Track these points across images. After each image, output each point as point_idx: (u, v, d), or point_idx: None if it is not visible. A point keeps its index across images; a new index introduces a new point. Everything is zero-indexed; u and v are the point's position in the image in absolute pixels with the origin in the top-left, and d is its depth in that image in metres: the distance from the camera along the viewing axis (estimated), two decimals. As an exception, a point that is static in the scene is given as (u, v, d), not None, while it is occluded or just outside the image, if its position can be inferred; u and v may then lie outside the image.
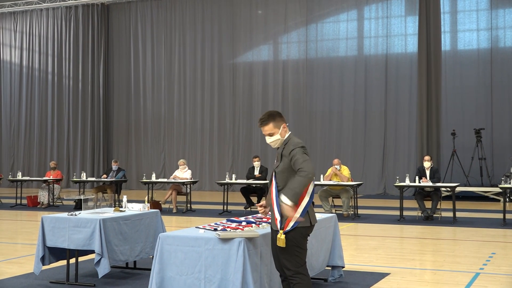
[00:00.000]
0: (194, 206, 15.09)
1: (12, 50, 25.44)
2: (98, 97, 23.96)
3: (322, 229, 6.05)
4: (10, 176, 17.43)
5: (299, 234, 4.23)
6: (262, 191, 13.83)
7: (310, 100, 20.98)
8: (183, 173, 14.64)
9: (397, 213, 12.74)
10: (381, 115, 20.07)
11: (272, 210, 4.28)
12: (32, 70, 24.99)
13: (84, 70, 24.13)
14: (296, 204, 4.12)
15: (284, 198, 4.09)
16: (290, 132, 4.40)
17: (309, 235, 4.37)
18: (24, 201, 16.23)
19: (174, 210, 14.19)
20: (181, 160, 15.10)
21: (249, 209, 13.84)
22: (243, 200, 14.28)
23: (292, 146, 4.24)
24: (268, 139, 4.40)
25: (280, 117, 4.38)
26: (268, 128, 4.35)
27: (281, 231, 4.16)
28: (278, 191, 4.24)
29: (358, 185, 12.87)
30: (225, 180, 14.52)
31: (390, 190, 19.47)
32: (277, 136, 4.36)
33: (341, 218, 12.49)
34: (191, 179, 14.58)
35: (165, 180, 15.10)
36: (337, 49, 20.85)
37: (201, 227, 5.13)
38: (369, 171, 20.00)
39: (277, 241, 4.19)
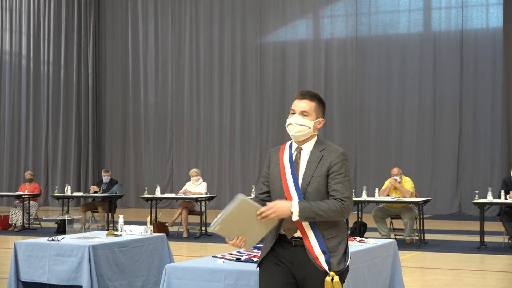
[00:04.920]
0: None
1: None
2: (86, 88, 24.18)
3: (377, 259, 6.03)
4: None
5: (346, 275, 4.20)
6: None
7: (361, 92, 20.92)
8: (196, 187, 14.68)
9: (477, 239, 12.61)
10: (455, 111, 19.93)
11: (306, 244, 4.05)
12: (1, 53, 25.31)
13: (68, 54, 24.37)
14: (299, 223, 4.02)
15: (295, 206, 3.94)
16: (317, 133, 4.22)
17: None
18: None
19: (185, 235, 14.24)
20: (194, 170, 15.14)
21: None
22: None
23: (338, 156, 4.09)
24: (296, 119, 4.12)
25: (324, 107, 4.24)
26: (308, 105, 4.14)
27: (332, 273, 4.00)
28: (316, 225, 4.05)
29: (425, 202, 12.77)
30: (250, 195, 14.52)
31: (467, 209, 19.31)
32: (309, 122, 4.11)
33: (403, 244, 12.42)
34: (206, 194, 14.61)
35: (173, 195, 15.15)
36: (396, 24, 20.76)
37: (219, 256, 5.15)
38: (439, 184, 19.85)
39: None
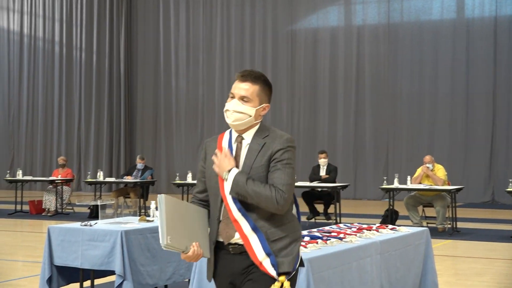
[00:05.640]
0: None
1: (10, 14, 26.03)
2: (118, 74, 24.31)
3: (410, 247, 6.01)
4: (8, 176, 17.85)
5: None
6: (329, 197, 13.79)
7: (393, 78, 20.80)
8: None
9: (510, 227, 12.54)
10: (488, 98, 19.74)
11: (246, 248, 3.46)
12: (35, 39, 25.53)
13: (100, 40, 24.51)
14: (237, 224, 3.45)
15: (231, 175, 3.44)
16: (261, 120, 3.63)
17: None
18: (26, 207, 16.61)
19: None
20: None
21: (313, 220, 13.83)
22: (306, 209, 14.28)
23: (282, 143, 3.49)
24: (234, 105, 3.53)
25: (270, 91, 3.67)
26: (249, 89, 3.54)
27: (282, 278, 3.42)
28: (251, 219, 3.47)
29: (457, 190, 12.68)
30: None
31: (500, 198, 19.15)
32: (250, 110, 3.53)
33: (435, 233, 12.35)
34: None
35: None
36: (429, 10, 20.60)
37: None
38: (472, 172, 19.71)
39: None
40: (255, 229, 3.42)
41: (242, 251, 3.47)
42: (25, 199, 16.89)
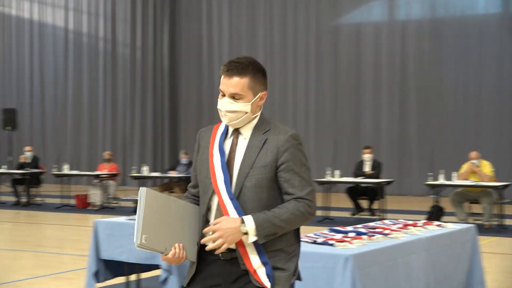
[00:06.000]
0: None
1: (55, 11, 26.35)
2: (162, 70, 24.46)
3: (456, 244, 5.94)
4: (55, 170, 18.08)
5: None
6: (374, 193, 13.74)
7: (438, 74, 20.60)
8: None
9: (558, 225, 12.35)
10: (536, 93, 19.50)
11: (241, 253, 3.07)
12: (79, 35, 25.80)
13: (144, 35, 24.67)
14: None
15: (249, 222, 2.98)
16: (261, 111, 3.25)
17: None
18: (72, 201, 16.82)
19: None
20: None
21: (357, 216, 13.79)
22: (350, 204, 14.25)
23: (287, 140, 3.10)
24: (226, 105, 3.11)
25: (264, 76, 3.19)
26: (239, 83, 3.09)
27: None
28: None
29: (504, 186, 12.55)
30: (324, 177, 14.53)
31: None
32: (244, 106, 3.11)
33: (482, 230, 12.21)
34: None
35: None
36: (474, 4, 20.39)
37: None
38: (519, 168, 19.47)
39: None
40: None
41: (233, 257, 3.08)
42: (71, 194, 17.12)
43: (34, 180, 17.54)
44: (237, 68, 3.07)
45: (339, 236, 5.19)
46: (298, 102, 22.44)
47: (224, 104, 3.10)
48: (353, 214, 13.87)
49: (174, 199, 3.16)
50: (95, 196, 16.30)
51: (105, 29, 25.31)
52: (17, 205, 17.15)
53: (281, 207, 3.02)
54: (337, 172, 14.71)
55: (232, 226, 2.95)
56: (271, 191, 3.07)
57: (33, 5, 26.49)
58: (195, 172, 3.32)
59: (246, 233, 2.97)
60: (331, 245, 4.83)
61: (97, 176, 16.68)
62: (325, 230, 5.52)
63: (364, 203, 14.11)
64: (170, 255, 3.08)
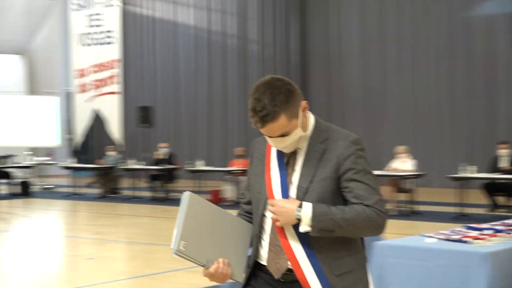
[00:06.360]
0: (420, 207, 15.02)
1: (186, 10, 26.95)
2: (292, 66, 24.56)
3: None
4: (189, 166, 18.55)
5: None
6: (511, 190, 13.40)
7: None
8: (403, 164, 14.57)
9: None
10: None
11: (299, 274, 2.80)
12: (209, 33, 26.31)
13: (276, 32, 24.86)
14: (291, 254, 2.81)
15: (307, 210, 2.73)
16: (314, 117, 2.97)
17: None
18: (206, 197, 17.18)
19: (395, 212, 14.20)
20: (401, 147, 15.02)
21: (494, 212, 13.46)
22: (486, 201, 13.95)
23: (348, 147, 2.84)
24: (280, 143, 2.86)
25: (290, 92, 2.85)
26: (279, 127, 2.81)
27: None
28: (310, 246, 2.81)
29: None
30: (458, 173, 14.25)
31: None
32: (295, 134, 2.84)
33: None
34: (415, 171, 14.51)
35: (381, 172, 15.07)
36: None
37: (429, 234, 5.07)
38: None
39: None
40: (311, 256, 2.78)
41: (294, 279, 2.80)
42: (206, 189, 17.55)
43: (169, 175, 18.12)
44: (266, 117, 2.80)
45: (475, 233, 5.08)
46: (431, 97, 22.01)
47: (276, 143, 2.88)
48: (490, 211, 13.55)
49: (222, 210, 2.93)
50: (228, 191, 16.65)
51: (236, 26, 25.67)
52: (153, 200, 17.74)
53: (348, 206, 2.75)
54: (472, 168, 14.38)
55: (287, 207, 2.74)
56: (333, 199, 2.80)
57: (166, 5, 27.23)
58: (249, 186, 3.09)
59: (299, 219, 2.73)
60: (467, 242, 4.73)
61: (229, 172, 16.98)
62: (460, 227, 5.42)
63: (501, 200, 13.77)
64: (212, 269, 2.82)
